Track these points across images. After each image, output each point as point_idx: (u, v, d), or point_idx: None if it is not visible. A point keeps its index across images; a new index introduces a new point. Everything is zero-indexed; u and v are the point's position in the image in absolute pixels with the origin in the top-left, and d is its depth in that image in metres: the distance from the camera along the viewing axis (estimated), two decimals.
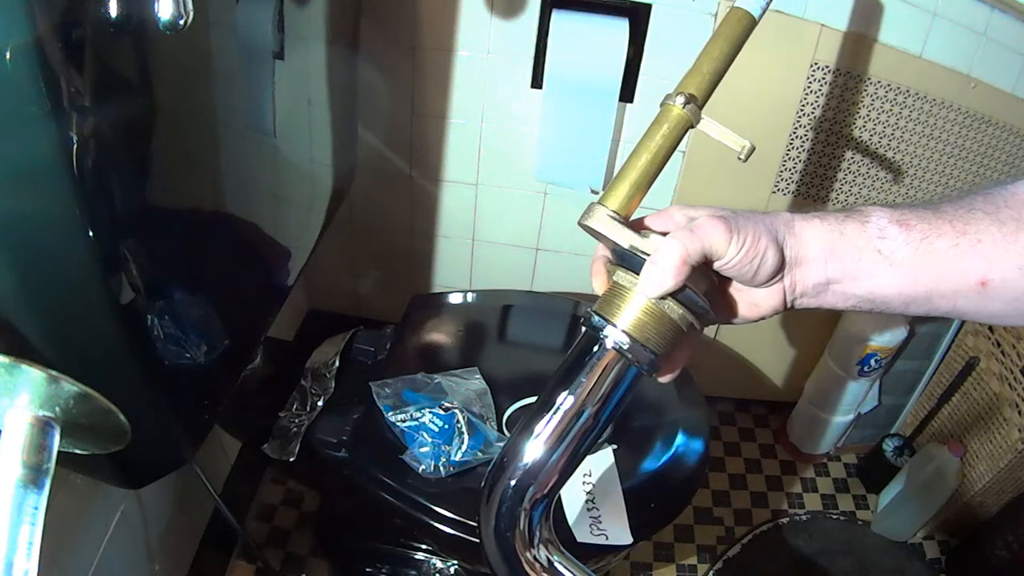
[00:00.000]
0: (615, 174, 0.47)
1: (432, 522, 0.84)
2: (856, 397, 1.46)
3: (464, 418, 0.89)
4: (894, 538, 1.45)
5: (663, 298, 0.41)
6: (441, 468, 0.85)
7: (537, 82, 1.17)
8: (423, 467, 0.86)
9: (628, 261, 0.43)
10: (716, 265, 0.42)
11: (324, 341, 1.09)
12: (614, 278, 0.44)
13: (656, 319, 0.42)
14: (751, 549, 1.41)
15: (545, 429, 0.43)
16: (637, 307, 0.42)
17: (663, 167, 0.47)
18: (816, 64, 1.11)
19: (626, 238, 0.43)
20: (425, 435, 0.87)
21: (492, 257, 1.43)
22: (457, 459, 0.86)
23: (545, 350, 1.12)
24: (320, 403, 0.97)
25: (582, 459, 0.45)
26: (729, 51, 0.48)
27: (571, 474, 0.45)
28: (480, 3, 1.11)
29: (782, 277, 0.44)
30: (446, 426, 0.88)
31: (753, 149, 0.46)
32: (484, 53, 1.16)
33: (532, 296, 1.20)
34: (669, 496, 0.90)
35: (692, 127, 0.47)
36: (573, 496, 0.86)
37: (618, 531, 0.83)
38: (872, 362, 1.37)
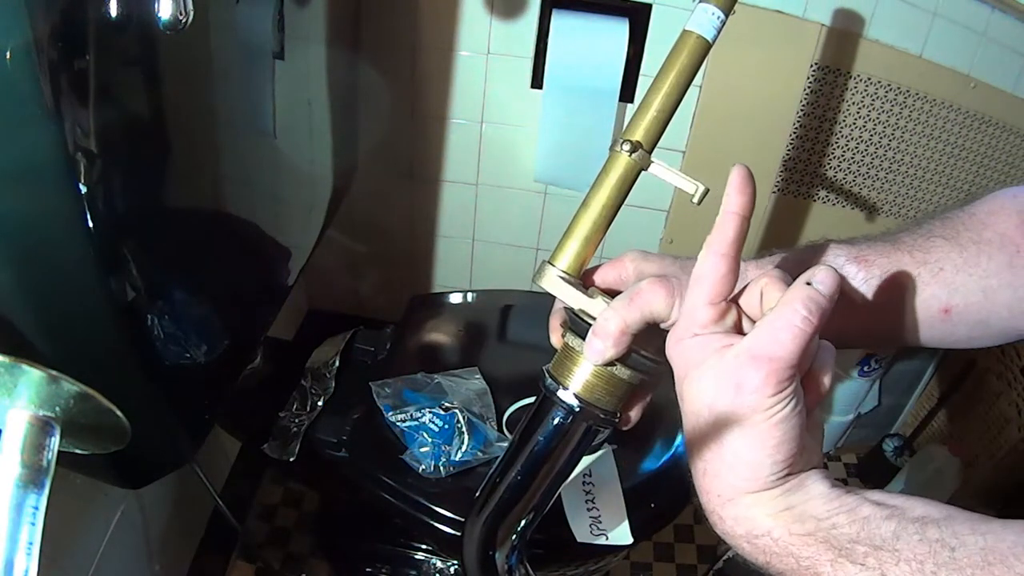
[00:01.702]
0: (565, 230, 0.47)
1: (432, 522, 0.84)
2: (856, 397, 1.46)
3: (464, 418, 0.89)
4: None
5: (610, 364, 0.42)
6: (441, 468, 0.85)
7: (537, 82, 1.17)
8: (423, 467, 0.86)
9: (576, 326, 0.44)
10: (662, 325, 0.42)
11: (324, 341, 1.09)
12: (565, 339, 0.45)
13: (605, 381, 0.43)
14: None
15: (510, 482, 0.47)
16: (586, 370, 0.43)
17: (614, 216, 0.47)
18: (816, 64, 1.11)
19: (575, 300, 0.44)
20: (425, 435, 0.87)
21: (492, 257, 1.43)
22: (457, 459, 0.86)
23: (545, 350, 1.11)
24: (320, 403, 0.97)
25: (549, 503, 0.48)
26: (678, 84, 0.46)
27: (545, 509, 0.49)
28: (480, 3, 1.11)
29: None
30: (446, 426, 0.88)
31: (707, 191, 0.44)
32: (484, 53, 1.16)
33: (532, 296, 1.20)
34: (669, 496, 0.90)
35: (643, 171, 0.46)
36: (573, 496, 0.86)
37: (618, 531, 0.83)
38: (872, 362, 1.37)
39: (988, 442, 1.31)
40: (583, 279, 0.46)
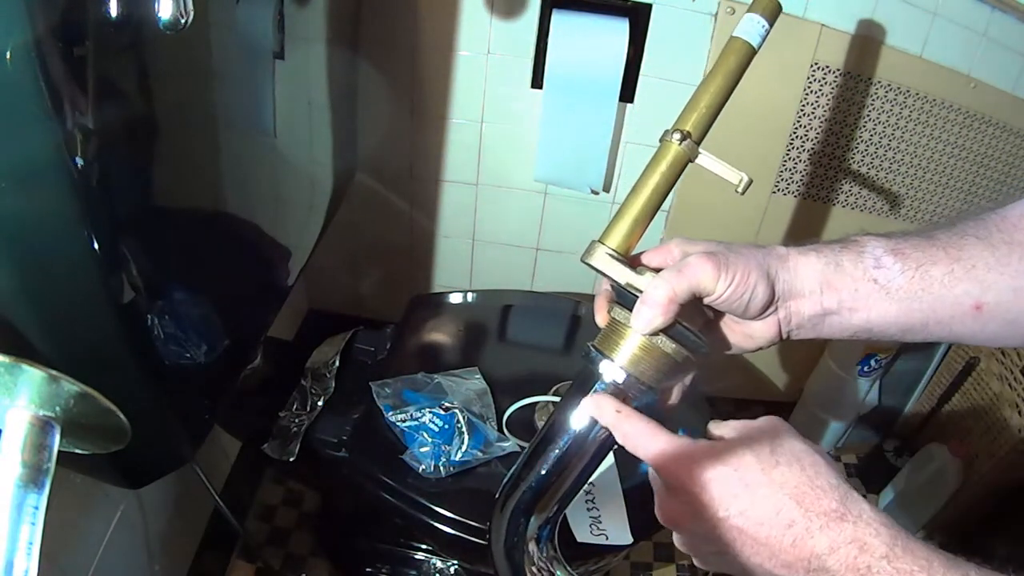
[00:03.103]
0: (615, 212, 0.48)
1: (432, 522, 0.84)
2: (856, 397, 1.46)
3: (464, 418, 0.89)
4: None
5: (655, 334, 0.43)
6: (441, 468, 0.85)
7: (537, 82, 1.17)
8: (423, 467, 0.86)
9: (624, 298, 0.45)
10: (707, 300, 0.43)
11: (324, 341, 1.09)
12: (612, 314, 0.46)
13: (650, 354, 0.44)
14: None
15: (552, 453, 0.46)
16: (633, 343, 0.44)
17: (662, 203, 0.48)
18: (816, 64, 1.11)
19: (623, 276, 0.45)
20: (425, 435, 0.87)
21: (492, 257, 1.43)
22: (457, 459, 0.86)
23: (545, 350, 1.12)
24: (320, 403, 0.97)
25: (586, 480, 0.48)
26: (726, 84, 0.49)
27: (575, 494, 0.48)
28: (480, 3, 1.11)
29: (776, 309, 0.45)
30: (446, 426, 0.88)
31: (750, 182, 0.48)
32: (484, 53, 1.16)
33: (532, 296, 1.20)
34: None
35: (690, 162, 0.48)
36: None
37: (618, 531, 0.83)
38: (872, 362, 1.37)
39: (988, 442, 1.31)
40: (630, 263, 0.47)
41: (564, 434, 0.46)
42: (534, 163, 1.22)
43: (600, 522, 0.83)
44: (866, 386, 1.44)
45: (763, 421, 0.42)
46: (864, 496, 0.39)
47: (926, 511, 1.37)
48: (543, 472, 0.47)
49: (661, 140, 0.49)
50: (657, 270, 0.45)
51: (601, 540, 0.82)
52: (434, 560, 1.13)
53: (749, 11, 0.51)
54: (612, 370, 0.44)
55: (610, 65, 1.09)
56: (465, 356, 1.04)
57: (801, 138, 1.19)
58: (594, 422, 0.45)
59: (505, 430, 0.92)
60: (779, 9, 0.52)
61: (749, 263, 0.43)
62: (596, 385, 0.45)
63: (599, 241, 0.47)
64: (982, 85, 1.14)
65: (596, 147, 1.18)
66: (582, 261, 0.47)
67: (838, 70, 1.12)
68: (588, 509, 0.84)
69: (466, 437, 0.88)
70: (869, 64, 1.12)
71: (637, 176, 0.50)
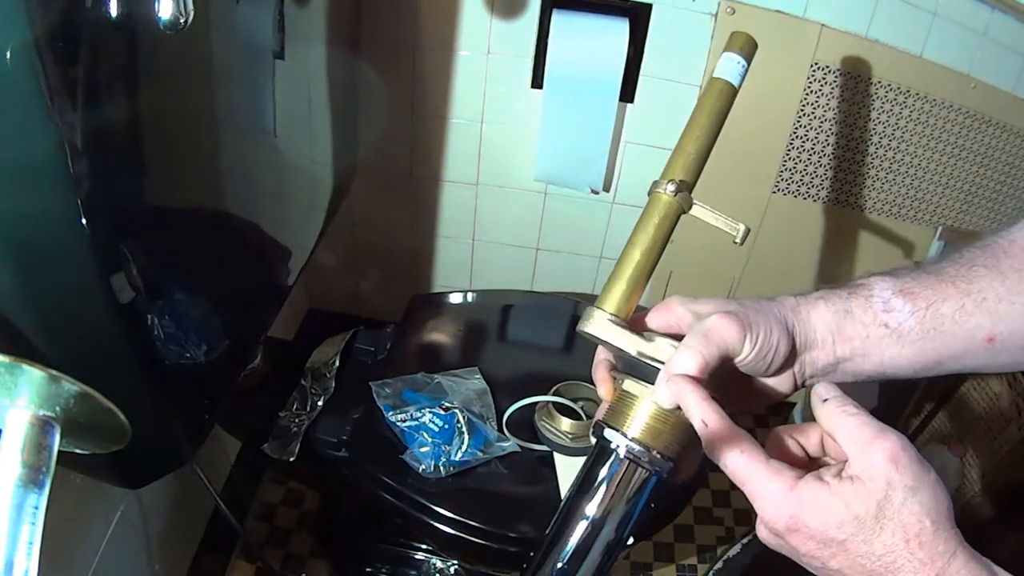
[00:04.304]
0: (610, 273, 0.45)
1: (432, 522, 0.84)
2: (856, 397, 1.46)
3: (464, 418, 0.89)
4: None
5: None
6: (441, 468, 0.85)
7: (537, 82, 1.17)
8: (423, 467, 0.86)
9: (637, 370, 0.42)
10: (735, 361, 0.41)
11: (324, 341, 1.09)
12: (623, 387, 0.43)
13: (671, 426, 0.41)
14: (751, 549, 1.41)
15: (573, 542, 0.43)
16: (650, 415, 0.41)
17: (659, 257, 0.46)
18: (816, 64, 1.11)
19: (632, 344, 0.42)
20: (425, 435, 0.87)
21: (492, 257, 1.43)
22: (457, 459, 0.86)
23: (545, 350, 1.12)
24: (320, 403, 0.97)
25: (613, 563, 0.45)
26: (712, 126, 0.48)
27: None
28: (480, 3, 1.11)
29: (793, 363, 0.43)
30: (446, 426, 0.88)
31: (748, 231, 0.46)
32: (484, 53, 1.16)
33: (532, 296, 1.20)
34: (669, 496, 0.90)
35: (684, 213, 0.46)
36: None
37: None
38: None
39: (988, 442, 1.31)
40: (632, 328, 0.44)
41: (583, 514, 0.43)
42: (534, 163, 1.22)
43: None
44: (866, 386, 1.44)
45: (880, 454, 0.36)
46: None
47: None
48: (566, 559, 0.43)
49: (651, 192, 0.47)
50: (664, 334, 0.43)
51: None
52: (434, 560, 1.13)
53: (726, 50, 0.50)
54: (630, 445, 0.41)
55: (610, 65, 1.09)
56: (465, 356, 1.04)
57: (801, 138, 1.19)
58: (615, 498, 0.42)
59: (505, 430, 0.92)
60: (755, 46, 0.51)
61: (769, 319, 0.41)
62: (612, 462, 0.42)
63: (597, 307, 0.44)
64: (982, 85, 1.14)
65: (596, 147, 1.18)
66: (580, 332, 0.44)
67: (838, 70, 1.12)
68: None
69: (466, 437, 0.88)
70: (869, 64, 1.12)
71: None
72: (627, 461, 0.42)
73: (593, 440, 0.44)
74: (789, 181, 1.24)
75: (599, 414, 0.44)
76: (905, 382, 1.51)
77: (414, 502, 0.85)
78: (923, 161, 1.23)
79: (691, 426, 0.40)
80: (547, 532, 0.45)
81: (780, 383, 0.45)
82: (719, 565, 1.38)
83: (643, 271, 0.45)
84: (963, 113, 1.17)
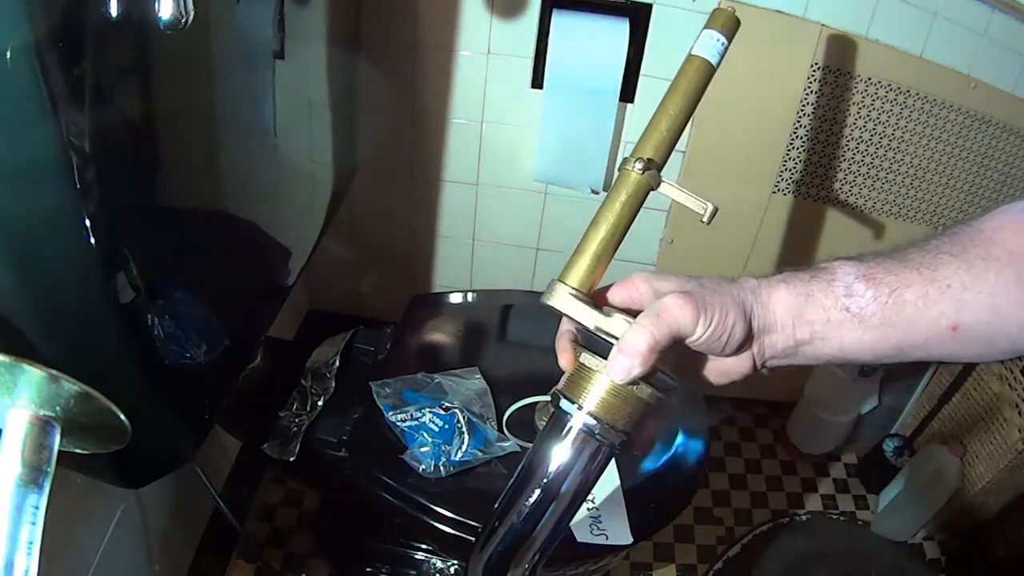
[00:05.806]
0: (575, 248, 0.46)
1: (432, 522, 0.84)
2: (856, 397, 1.46)
3: (464, 418, 0.89)
4: (894, 538, 1.45)
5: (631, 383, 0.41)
6: (441, 468, 0.85)
7: (537, 82, 1.17)
8: (423, 467, 0.86)
9: (593, 343, 0.43)
10: (687, 341, 0.41)
11: (324, 341, 1.09)
12: (580, 360, 0.44)
13: (624, 400, 0.42)
14: (751, 549, 1.41)
15: (527, 501, 0.44)
16: (604, 389, 0.42)
17: (625, 234, 0.46)
18: (816, 64, 1.11)
19: (591, 319, 0.43)
20: (425, 435, 0.87)
21: (492, 257, 1.43)
22: (457, 459, 0.86)
23: (545, 350, 1.11)
24: (320, 403, 0.97)
25: (564, 531, 0.46)
26: (686, 105, 0.47)
27: (553, 545, 0.46)
28: (480, 3, 1.11)
29: (751, 345, 0.44)
30: (446, 426, 0.88)
31: (716, 211, 0.47)
32: (484, 53, 1.16)
33: (532, 296, 1.20)
34: (669, 496, 0.90)
35: (652, 190, 0.46)
36: None
37: (618, 531, 0.83)
38: None
39: (988, 442, 1.31)
40: (593, 299, 0.45)
41: (538, 481, 0.44)
42: (534, 163, 1.22)
43: (600, 522, 0.83)
44: (866, 386, 1.45)
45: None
46: None
47: (926, 511, 1.37)
48: (518, 522, 0.44)
49: (620, 169, 0.47)
50: (623, 310, 0.43)
51: (601, 540, 0.82)
52: (434, 560, 1.13)
53: (706, 27, 0.49)
54: (584, 418, 0.42)
55: (610, 65, 1.09)
56: (465, 356, 1.04)
57: (801, 138, 1.19)
58: (568, 467, 0.43)
59: (505, 430, 0.92)
60: (737, 24, 0.50)
61: (726, 301, 0.41)
62: (566, 432, 0.43)
63: (560, 280, 0.45)
64: (982, 85, 1.14)
65: (596, 147, 1.18)
66: (542, 303, 0.45)
67: (838, 70, 1.12)
68: (588, 509, 0.84)
69: (466, 437, 0.88)
70: (869, 64, 1.12)
71: None
72: (581, 433, 0.43)
73: (552, 410, 0.45)
74: (789, 181, 1.24)
75: (560, 384, 0.45)
76: (905, 382, 1.51)
77: (414, 502, 0.85)
78: (923, 161, 1.23)
79: (644, 401, 0.42)
80: (501, 498, 0.46)
81: (738, 363, 0.45)
82: (719, 565, 1.38)
83: (607, 247, 0.46)
84: (963, 113, 1.17)
